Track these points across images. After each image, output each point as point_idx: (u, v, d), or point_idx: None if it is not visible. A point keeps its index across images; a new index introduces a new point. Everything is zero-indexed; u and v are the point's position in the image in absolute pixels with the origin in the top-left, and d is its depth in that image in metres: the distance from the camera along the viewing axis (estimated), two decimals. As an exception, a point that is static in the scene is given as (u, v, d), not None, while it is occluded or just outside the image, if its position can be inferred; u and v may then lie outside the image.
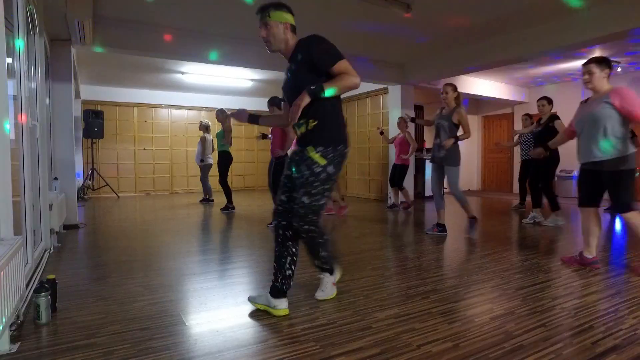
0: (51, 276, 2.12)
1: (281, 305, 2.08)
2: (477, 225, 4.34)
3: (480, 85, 8.35)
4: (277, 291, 2.10)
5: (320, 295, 2.33)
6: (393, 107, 7.39)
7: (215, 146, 6.73)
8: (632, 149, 2.76)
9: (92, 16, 4.00)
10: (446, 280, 2.70)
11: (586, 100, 3.00)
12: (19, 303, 1.82)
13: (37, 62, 3.32)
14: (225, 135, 6.17)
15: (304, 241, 2.14)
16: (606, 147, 2.75)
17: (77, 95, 7.62)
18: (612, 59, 6.41)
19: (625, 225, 2.85)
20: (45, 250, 3.34)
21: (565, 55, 6.21)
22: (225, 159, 6.28)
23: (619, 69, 7.03)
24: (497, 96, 8.70)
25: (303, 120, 2.02)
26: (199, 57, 5.42)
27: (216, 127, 7.71)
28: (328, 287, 2.34)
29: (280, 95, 2.63)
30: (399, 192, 6.47)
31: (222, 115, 5.97)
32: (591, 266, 2.94)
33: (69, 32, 4.27)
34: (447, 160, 4.11)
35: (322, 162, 2.00)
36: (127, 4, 4.30)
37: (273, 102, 4.52)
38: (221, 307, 2.22)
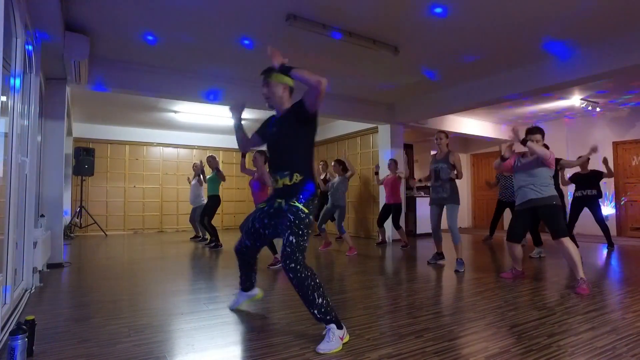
0: (30, 317, 2.03)
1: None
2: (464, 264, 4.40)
3: (468, 124, 8.58)
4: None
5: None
6: (383, 146, 7.52)
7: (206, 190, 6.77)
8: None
9: (89, 56, 4.09)
10: (439, 318, 2.64)
11: (523, 155, 3.77)
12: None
13: (31, 100, 3.35)
14: (218, 176, 6.50)
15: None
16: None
17: (69, 132, 7.64)
18: (590, 99, 6.71)
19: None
20: (26, 290, 3.22)
21: (551, 95, 6.46)
22: (216, 202, 6.58)
23: (597, 109, 7.30)
24: (484, 135, 8.93)
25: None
26: (192, 96, 5.53)
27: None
28: (334, 339, 2.09)
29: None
30: (397, 232, 6.42)
31: (214, 161, 6.58)
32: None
33: (64, 71, 4.34)
34: (449, 199, 4.38)
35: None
36: (123, 45, 4.43)
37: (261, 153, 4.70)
38: (209, 348, 2.14)
